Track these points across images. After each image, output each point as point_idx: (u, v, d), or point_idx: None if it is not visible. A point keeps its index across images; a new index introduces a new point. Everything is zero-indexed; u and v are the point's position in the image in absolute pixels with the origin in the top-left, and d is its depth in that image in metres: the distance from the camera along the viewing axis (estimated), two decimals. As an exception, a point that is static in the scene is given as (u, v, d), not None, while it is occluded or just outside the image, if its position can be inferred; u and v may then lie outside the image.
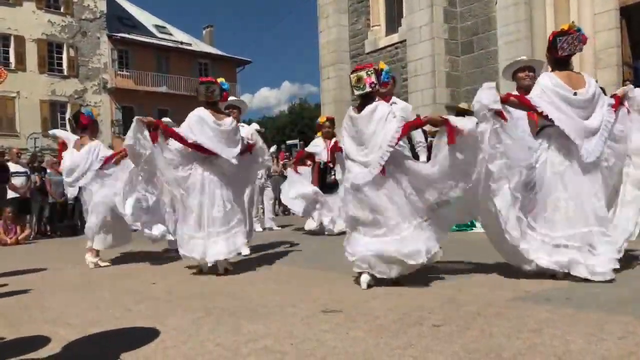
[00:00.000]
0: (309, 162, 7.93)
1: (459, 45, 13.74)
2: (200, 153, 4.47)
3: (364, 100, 3.73)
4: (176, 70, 31.08)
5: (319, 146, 7.75)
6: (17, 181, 9.62)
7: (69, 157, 5.56)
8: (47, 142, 21.32)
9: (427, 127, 6.42)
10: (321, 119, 8.21)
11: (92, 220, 5.38)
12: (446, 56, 13.58)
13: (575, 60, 5.03)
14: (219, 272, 4.44)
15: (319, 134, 8.03)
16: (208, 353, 2.31)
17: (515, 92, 4.29)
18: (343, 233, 6.55)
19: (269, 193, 10.23)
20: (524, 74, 4.61)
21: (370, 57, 15.23)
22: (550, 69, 3.86)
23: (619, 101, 3.75)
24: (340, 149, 4.22)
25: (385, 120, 3.58)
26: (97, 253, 5.43)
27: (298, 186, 7.78)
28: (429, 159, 4.30)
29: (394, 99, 5.25)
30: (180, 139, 4.43)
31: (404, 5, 14.73)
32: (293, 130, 39.71)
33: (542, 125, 3.78)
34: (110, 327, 2.85)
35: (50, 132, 6.95)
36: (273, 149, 11.84)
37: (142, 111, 23.63)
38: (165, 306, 3.33)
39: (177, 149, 4.50)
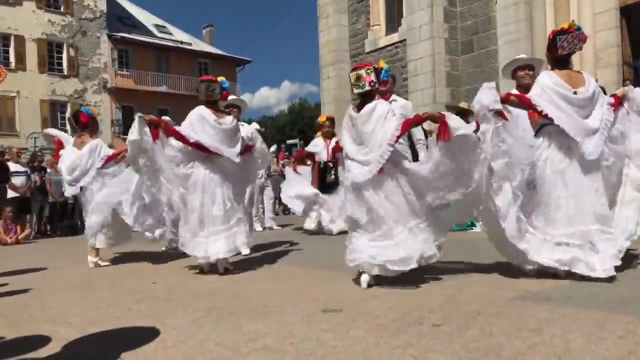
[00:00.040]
0: (309, 162, 7.93)
1: (459, 45, 13.73)
2: (201, 152, 4.47)
3: (363, 99, 3.73)
4: (176, 69, 31.08)
5: (318, 146, 7.75)
6: (17, 181, 9.62)
7: (69, 156, 5.52)
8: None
9: (427, 127, 6.45)
10: (321, 119, 8.21)
11: (93, 220, 5.37)
12: (446, 56, 13.57)
13: (575, 59, 5.04)
14: (219, 271, 4.44)
15: (319, 133, 8.03)
16: (208, 352, 2.31)
17: (515, 91, 4.29)
18: (343, 233, 6.57)
19: (269, 192, 10.23)
20: (523, 73, 4.62)
21: (370, 56, 15.21)
22: (550, 68, 3.86)
23: (618, 101, 3.75)
24: (342, 149, 4.22)
25: (384, 118, 3.58)
26: (97, 253, 5.44)
27: (297, 186, 7.78)
28: None
29: (394, 96, 5.24)
30: (181, 137, 4.43)
31: (404, 4, 14.71)
32: (293, 129, 39.69)
33: (541, 124, 3.77)
34: (110, 326, 2.85)
35: (45, 131, 6.53)
36: (273, 148, 11.83)
37: (142, 111, 23.44)
38: (165, 305, 3.33)
39: (178, 146, 4.49)
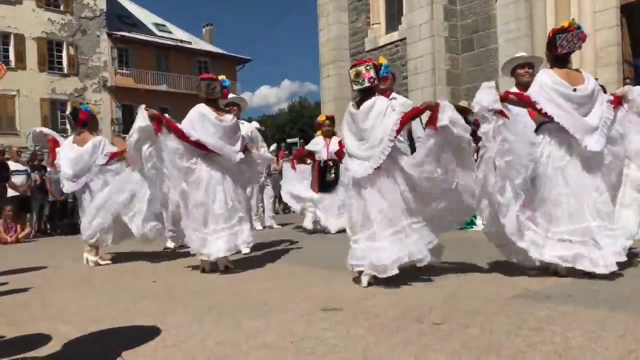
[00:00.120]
0: (308, 161, 7.93)
1: (459, 43, 13.72)
2: (201, 150, 4.47)
3: (363, 96, 3.73)
4: (176, 68, 31.06)
5: (318, 144, 7.74)
6: (17, 179, 9.63)
7: (69, 152, 5.47)
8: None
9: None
10: (321, 118, 8.20)
11: (94, 223, 5.33)
12: (446, 54, 13.56)
13: (575, 58, 5.03)
14: (219, 269, 4.44)
15: (318, 132, 8.02)
16: (208, 350, 2.31)
17: (515, 89, 4.29)
18: (341, 232, 6.57)
19: (269, 191, 10.23)
20: (523, 71, 4.62)
21: (370, 55, 15.19)
22: (549, 66, 3.86)
23: (617, 101, 3.75)
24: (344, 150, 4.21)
25: (384, 115, 3.58)
26: (97, 252, 5.43)
27: (297, 186, 7.78)
28: None
29: (393, 94, 5.24)
30: (182, 135, 4.41)
31: (404, 3, 14.70)
32: (293, 128, 39.68)
33: (540, 122, 3.77)
34: (110, 325, 2.85)
35: (37, 129, 6.06)
36: (273, 147, 11.84)
37: (142, 109, 23.56)
38: (165, 304, 3.33)
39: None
